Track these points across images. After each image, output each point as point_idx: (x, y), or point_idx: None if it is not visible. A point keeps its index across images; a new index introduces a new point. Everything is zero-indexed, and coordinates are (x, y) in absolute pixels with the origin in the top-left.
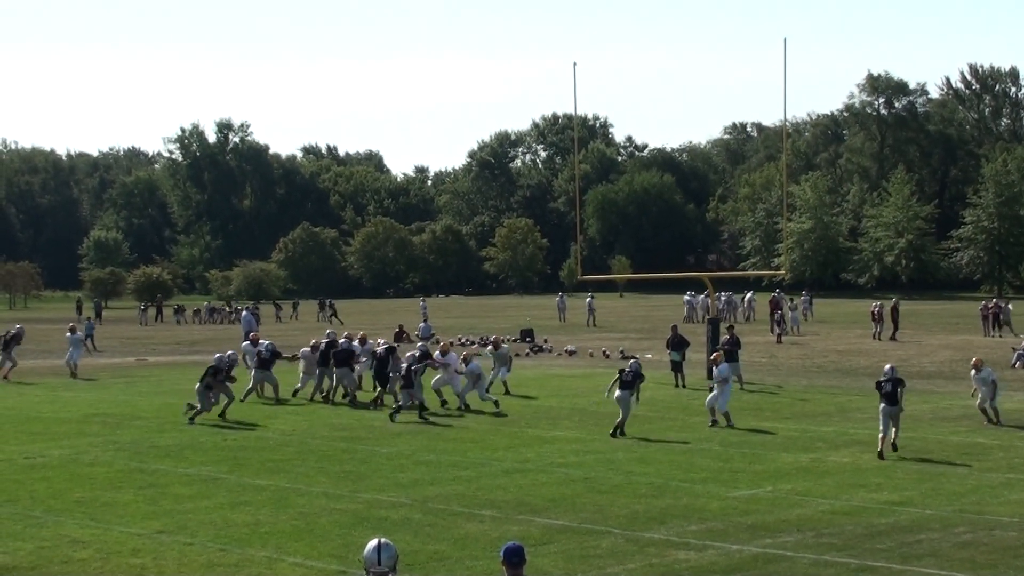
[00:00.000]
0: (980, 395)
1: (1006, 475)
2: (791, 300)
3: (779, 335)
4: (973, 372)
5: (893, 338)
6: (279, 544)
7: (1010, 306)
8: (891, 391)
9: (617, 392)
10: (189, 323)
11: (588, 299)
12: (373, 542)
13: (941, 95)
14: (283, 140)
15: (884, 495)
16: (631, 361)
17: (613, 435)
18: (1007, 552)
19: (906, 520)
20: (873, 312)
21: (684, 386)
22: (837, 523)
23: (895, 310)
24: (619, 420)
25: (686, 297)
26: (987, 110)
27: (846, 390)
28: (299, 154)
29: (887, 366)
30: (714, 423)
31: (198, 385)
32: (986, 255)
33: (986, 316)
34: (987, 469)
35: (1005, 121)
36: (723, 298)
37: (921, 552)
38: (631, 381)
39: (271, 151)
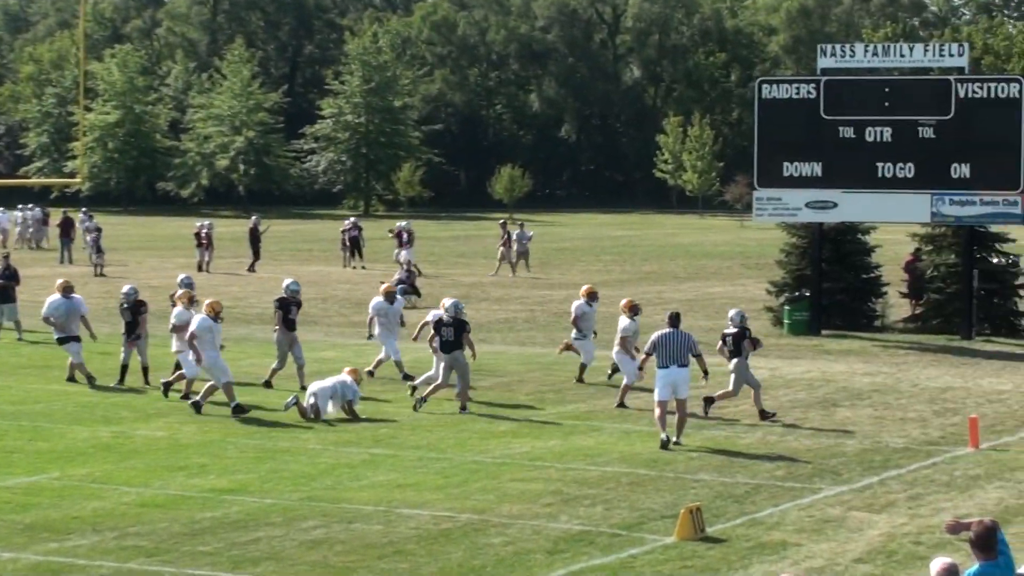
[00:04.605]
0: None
1: (370, 450)
2: (84, 220)
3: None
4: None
5: (252, 269)
6: None
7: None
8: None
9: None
10: None
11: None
12: None
13: None
14: None
15: (210, 480)
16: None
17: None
18: (369, 551)
19: (239, 513)
20: (199, 235)
21: None
22: (148, 519)
23: (255, 231)
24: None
25: None
26: None
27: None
28: None
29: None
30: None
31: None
32: (350, 159)
33: (347, 241)
34: (345, 443)
35: None
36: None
37: (258, 554)
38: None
39: None
